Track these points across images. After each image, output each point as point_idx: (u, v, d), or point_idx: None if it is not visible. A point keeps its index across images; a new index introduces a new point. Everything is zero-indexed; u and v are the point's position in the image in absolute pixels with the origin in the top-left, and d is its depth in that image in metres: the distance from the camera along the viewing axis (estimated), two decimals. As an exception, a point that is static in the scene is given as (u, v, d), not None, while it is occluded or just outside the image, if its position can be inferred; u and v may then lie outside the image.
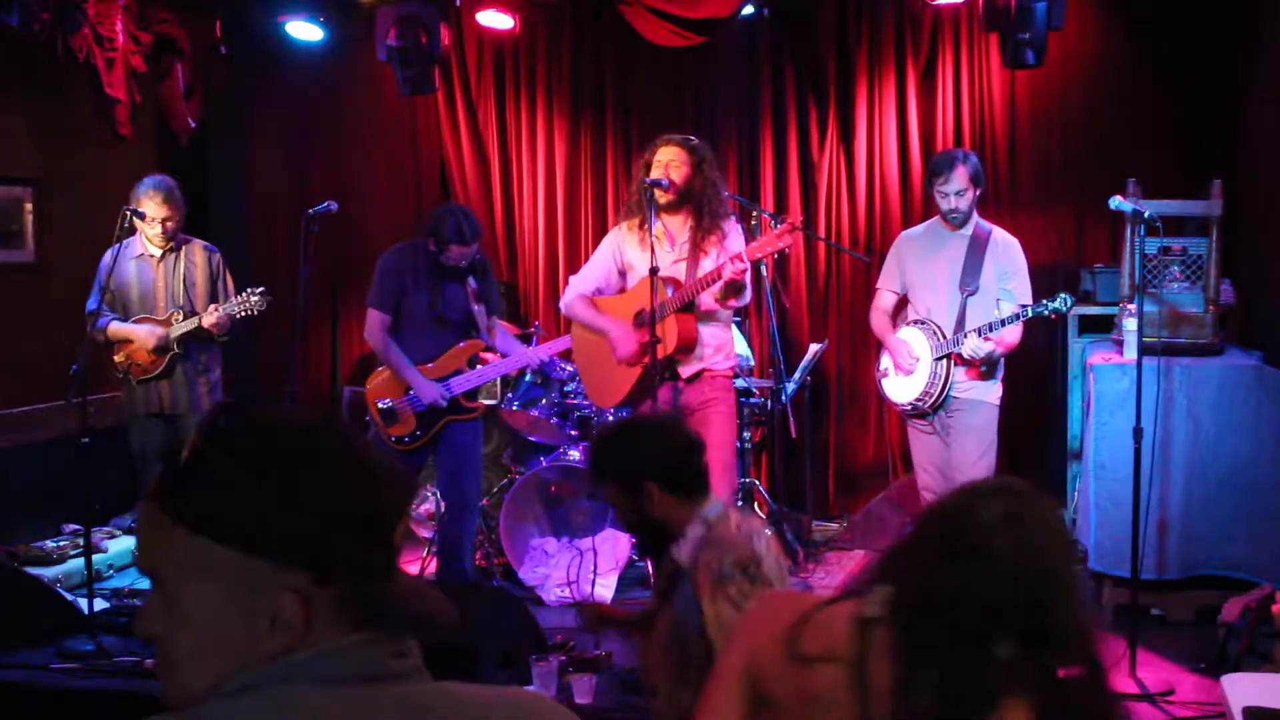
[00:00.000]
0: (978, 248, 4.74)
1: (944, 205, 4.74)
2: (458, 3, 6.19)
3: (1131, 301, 4.54)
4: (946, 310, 4.74)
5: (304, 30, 6.33)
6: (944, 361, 4.69)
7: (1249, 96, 5.59)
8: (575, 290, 4.82)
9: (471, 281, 4.95)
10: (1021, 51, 5.32)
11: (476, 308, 4.97)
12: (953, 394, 4.73)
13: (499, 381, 6.14)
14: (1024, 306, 4.59)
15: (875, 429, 6.41)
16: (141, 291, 5.27)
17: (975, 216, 4.81)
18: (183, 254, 5.31)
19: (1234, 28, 5.68)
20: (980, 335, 4.59)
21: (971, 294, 4.71)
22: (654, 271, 4.36)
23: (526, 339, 5.99)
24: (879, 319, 4.95)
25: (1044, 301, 4.50)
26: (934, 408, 4.75)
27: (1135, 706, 3.93)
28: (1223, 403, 4.64)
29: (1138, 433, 4.22)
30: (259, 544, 1.08)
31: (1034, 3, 5.17)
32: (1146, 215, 4.28)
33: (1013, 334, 4.65)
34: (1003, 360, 4.75)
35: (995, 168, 6.15)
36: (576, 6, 6.34)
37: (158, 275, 5.27)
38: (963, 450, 4.72)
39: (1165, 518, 4.65)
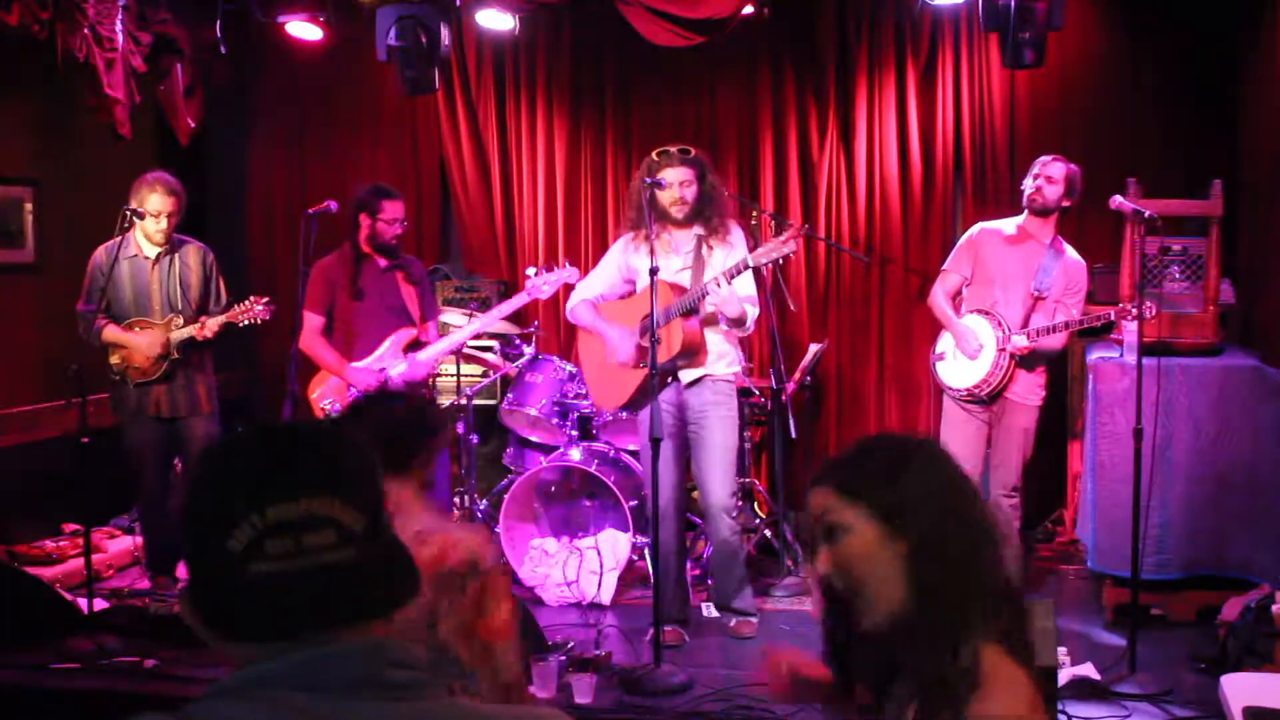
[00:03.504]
0: (1054, 258, 4.88)
1: (1030, 186, 4.88)
2: (458, 3, 6.19)
3: (1131, 301, 4.55)
4: (1015, 307, 4.86)
5: (304, 30, 6.33)
6: (1006, 354, 4.81)
7: (1249, 96, 5.59)
8: (579, 296, 4.92)
9: (401, 274, 5.14)
10: (1021, 51, 5.31)
11: (408, 292, 5.12)
12: (1006, 394, 4.87)
13: (499, 382, 6.15)
14: (1097, 316, 4.70)
15: (875, 429, 6.40)
16: (136, 293, 5.19)
17: (1054, 230, 4.93)
18: (178, 256, 5.27)
19: (1234, 28, 5.68)
20: (1030, 337, 4.74)
21: (1040, 299, 4.85)
22: (653, 272, 4.38)
23: (527, 339, 6.00)
24: (943, 301, 5.04)
25: (1128, 308, 4.55)
26: (990, 396, 4.88)
27: (1135, 706, 3.94)
28: (1223, 403, 4.64)
29: (1138, 433, 4.23)
30: None
31: (1034, 3, 5.16)
32: (1146, 215, 4.29)
33: (1059, 339, 4.81)
34: (1045, 365, 4.92)
35: (995, 168, 6.15)
36: (576, 6, 6.33)
37: (153, 277, 5.20)
38: (1009, 447, 4.91)
39: (1165, 518, 4.65)
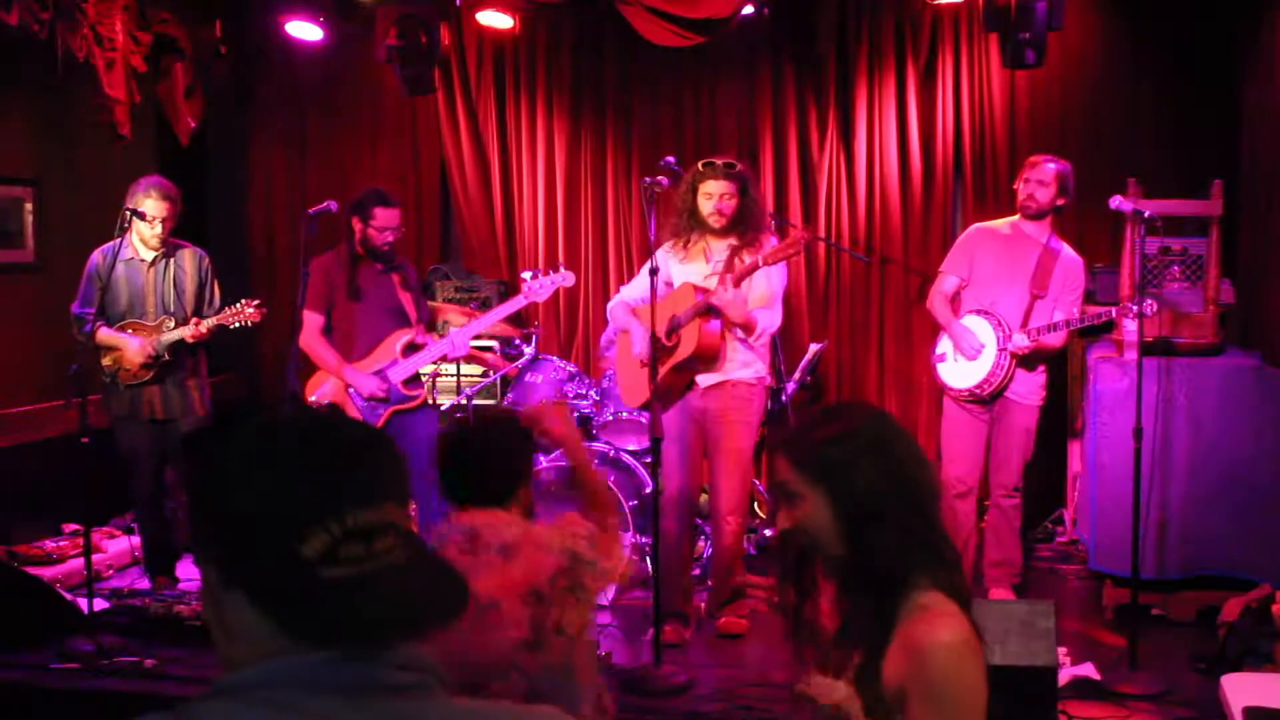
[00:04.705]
0: (1050, 257, 4.88)
1: (1023, 191, 4.88)
2: (458, 3, 6.19)
3: (1132, 300, 4.55)
4: (1014, 307, 4.86)
5: (304, 30, 6.33)
6: (1007, 353, 4.82)
7: (1249, 96, 5.59)
8: (620, 297, 4.98)
9: (397, 276, 5.12)
10: (1021, 51, 5.32)
11: (404, 296, 5.11)
12: (1007, 394, 4.87)
13: (499, 382, 6.15)
14: (1098, 314, 4.72)
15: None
16: (131, 295, 5.18)
17: (1050, 229, 4.92)
18: (173, 259, 5.25)
19: (1234, 28, 5.68)
20: (1031, 336, 4.74)
21: (1040, 298, 4.85)
22: (654, 272, 4.40)
23: (527, 339, 6.00)
24: (941, 303, 5.03)
25: (1129, 306, 4.54)
26: (991, 396, 4.88)
27: (1135, 706, 3.94)
28: (1223, 403, 4.65)
29: (1138, 433, 4.23)
30: (200, 543, 1.13)
31: (1034, 3, 5.16)
32: (1146, 215, 4.29)
33: (1059, 337, 4.82)
34: (1045, 365, 4.92)
35: (995, 168, 6.14)
36: (576, 6, 6.33)
37: (148, 280, 5.18)
38: (1009, 447, 4.92)
39: (1165, 518, 4.65)
